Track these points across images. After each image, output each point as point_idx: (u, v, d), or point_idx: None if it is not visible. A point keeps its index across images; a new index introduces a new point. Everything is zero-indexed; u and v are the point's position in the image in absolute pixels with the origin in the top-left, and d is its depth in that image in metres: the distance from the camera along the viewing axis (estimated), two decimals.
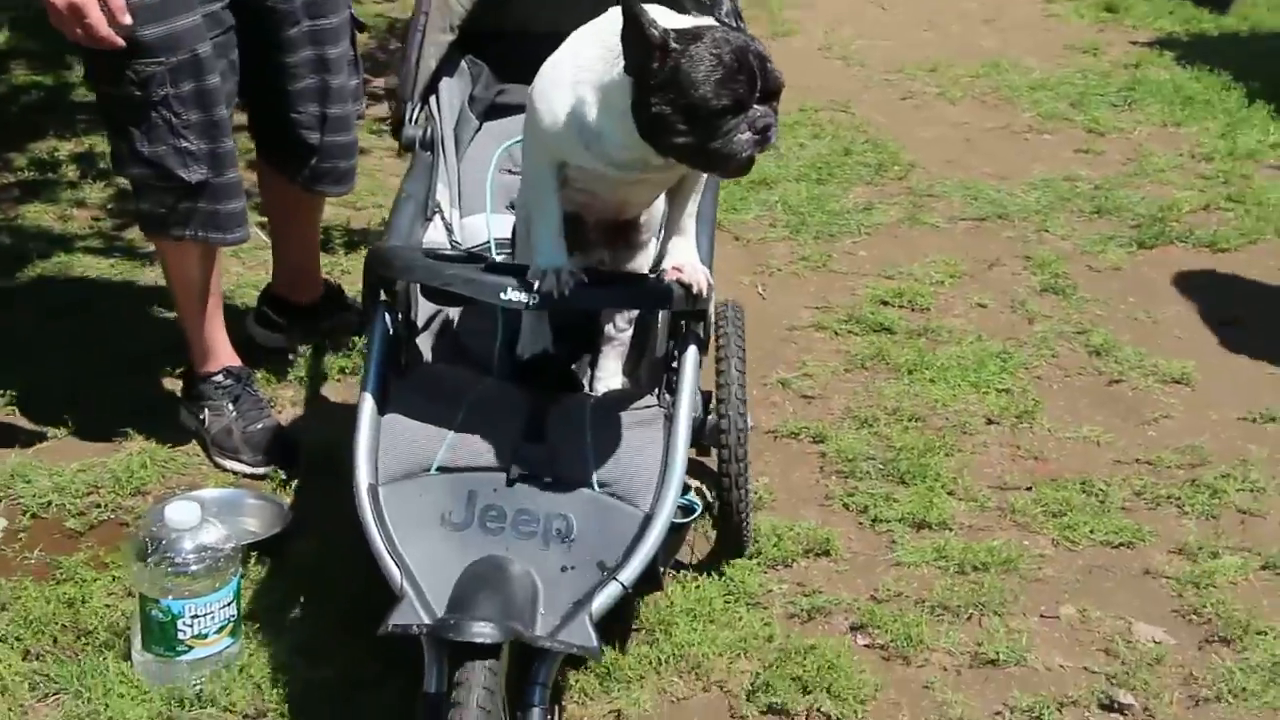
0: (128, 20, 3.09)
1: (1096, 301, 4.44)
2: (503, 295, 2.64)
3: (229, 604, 2.80)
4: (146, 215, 3.40)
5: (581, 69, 2.58)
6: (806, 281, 4.55)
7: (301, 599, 3.03)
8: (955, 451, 3.66)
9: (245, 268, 4.41)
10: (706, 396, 2.98)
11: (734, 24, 2.62)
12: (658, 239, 3.03)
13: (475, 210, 3.35)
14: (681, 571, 3.14)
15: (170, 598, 2.73)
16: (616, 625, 2.88)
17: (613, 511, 2.62)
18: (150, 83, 3.19)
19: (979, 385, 3.96)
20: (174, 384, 3.74)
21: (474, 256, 2.93)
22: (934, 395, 3.90)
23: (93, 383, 3.83)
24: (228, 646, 2.82)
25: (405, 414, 2.73)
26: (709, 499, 3.20)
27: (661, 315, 3.06)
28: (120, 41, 3.10)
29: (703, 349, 2.83)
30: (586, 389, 3.05)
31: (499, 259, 3.16)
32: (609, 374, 3.06)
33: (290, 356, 3.95)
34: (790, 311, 4.34)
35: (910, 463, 3.57)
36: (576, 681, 2.84)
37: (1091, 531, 3.38)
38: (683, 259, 2.74)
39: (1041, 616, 3.13)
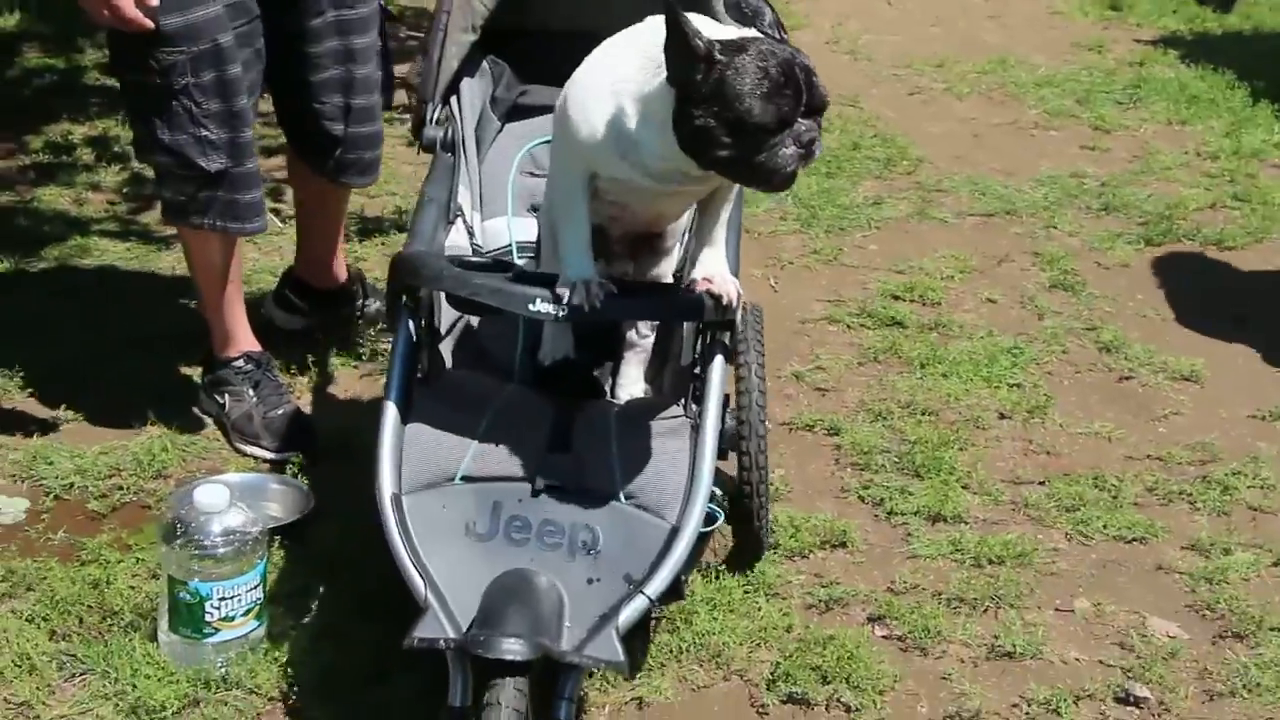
0: (154, 2, 3.11)
1: (1105, 298, 4.48)
2: (531, 307, 2.60)
3: (256, 587, 2.82)
4: (167, 202, 3.42)
5: (620, 79, 2.53)
6: (818, 275, 4.58)
7: (325, 583, 3.05)
8: (969, 445, 3.69)
9: (261, 253, 4.43)
10: (725, 400, 2.94)
11: (777, 35, 2.56)
12: (681, 244, 3.03)
13: (496, 213, 3.33)
14: (701, 563, 3.16)
15: (198, 580, 2.75)
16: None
17: (639, 523, 2.59)
18: (171, 71, 3.20)
19: (991, 380, 3.98)
20: (193, 367, 3.75)
21: (500, 264, 2.90)
22: (947, 389, 3.92)
23: (112, 365, 3.84)
24: (253, 629, 2.84)
25: (429, 422, 2.70)
26: (723, 502, 3.18)
27: (688, 324, 3.02)
28: (149, 23, 3.12)
29: (729, 358, 2.82)
30: (608, 395, 3.03)
31: (521, 263, 3.13)
32: (631, 380, 3.04)
33: (308, 341, 3.96)
34: (802, 305, 4.37)
35: (925, 456, 3.60)
36: (600, 669, 2.85)
37: (1104, 526, 3.40)
38: (713, 269, 2.70)
39: (1056, 610, 3.15)
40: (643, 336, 3.06)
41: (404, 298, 2.79)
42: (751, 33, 2.52)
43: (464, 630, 2.38)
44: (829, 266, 4.62)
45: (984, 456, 3.66)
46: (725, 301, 2.67)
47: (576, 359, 2.97)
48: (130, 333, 4.00)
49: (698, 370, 2.83)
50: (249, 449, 3.51)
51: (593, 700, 2.81)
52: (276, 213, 4.18)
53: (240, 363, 3.57)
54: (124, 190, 4.90)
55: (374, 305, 3.97)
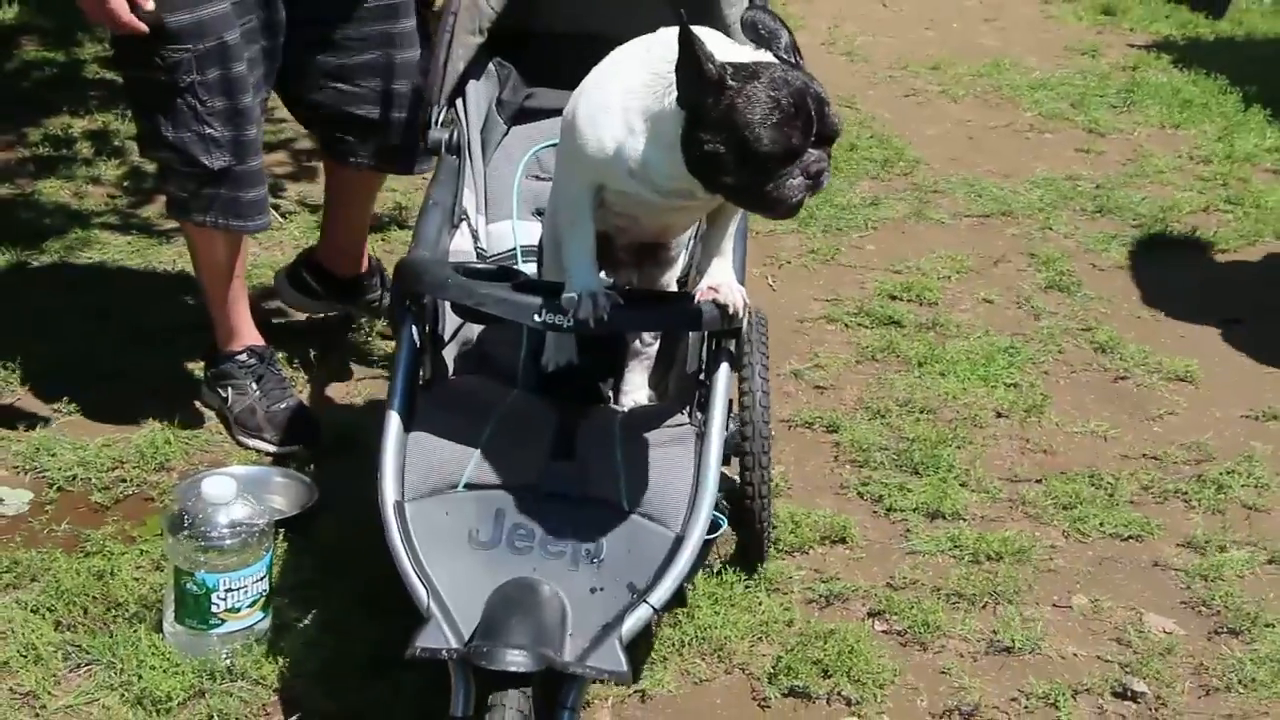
0: (150, 6, 3.11)
1: (1100, 299, 4.51)
2: (537, 318, 2.57)
3: (262, 578, 2.83)
4: (171, 198, 3.43)
5: (630, 94, 2.49)
6: (816, 274, 4.60)
7: (329, 576, 3.06)
8: (966, 443, 3.72)
9: (262, 248, 4.44)
10: (729, 407, 2.89)
11: (792, 59, 2.51)
12: (686, 251, 3.02)
13: (501, 216, 3.31)
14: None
15: (205, 571, 2.77)
16: None
17: (643, 532, 2.57)
18: (177, 69, 3.21)
19: (988, 379, 4.01)
20: (195, 361, 3.76)
21: (505, 271, 2.85)
22: (944, 388, 3.95)
23: (114, 358, 3.86)
24: (259, 621, 2.86)
25: (432, 429, 2.67)
26: (725, 509, 3.17)
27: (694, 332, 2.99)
28: (143, 27, 3.13)
29: (735, 366, 2.80)
30: (612, 402, 3.01)
31: (525, 268, 3.11)
32: (635, 387, 3.03)
33: (311, 336, 3.97)
34: (800, 304, 4.39)
35: (923, 453, 3.62)
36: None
37: (1101, 524, 3.43)
38: (720, 279, 2.66)
39: (1054, 606, 3.18)
40: (646, 344, 3.04)
41: (408, 304, 2.76)
42: (766, 56, 2.47)
43: (466, 640, 2.37)
44: (827, 266, 4.65)
45: (982, 454, 3.69)
46: (732, 311, 2.64)
47: (580, 365, 2.95)
48: (132, 326, 4.02)
49: (703, 378, 2.81)
50: (251, 442, 3.53)
51: (596, 693, 2.83)
52: (276, 208, 4.19)
53: (243, 357, 3.59)
54: (124, 184, 4.92)
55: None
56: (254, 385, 3.56)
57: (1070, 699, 2.90)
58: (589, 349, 2.97)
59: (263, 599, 2.85)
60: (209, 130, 3.27)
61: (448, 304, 2.87)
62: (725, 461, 2.93)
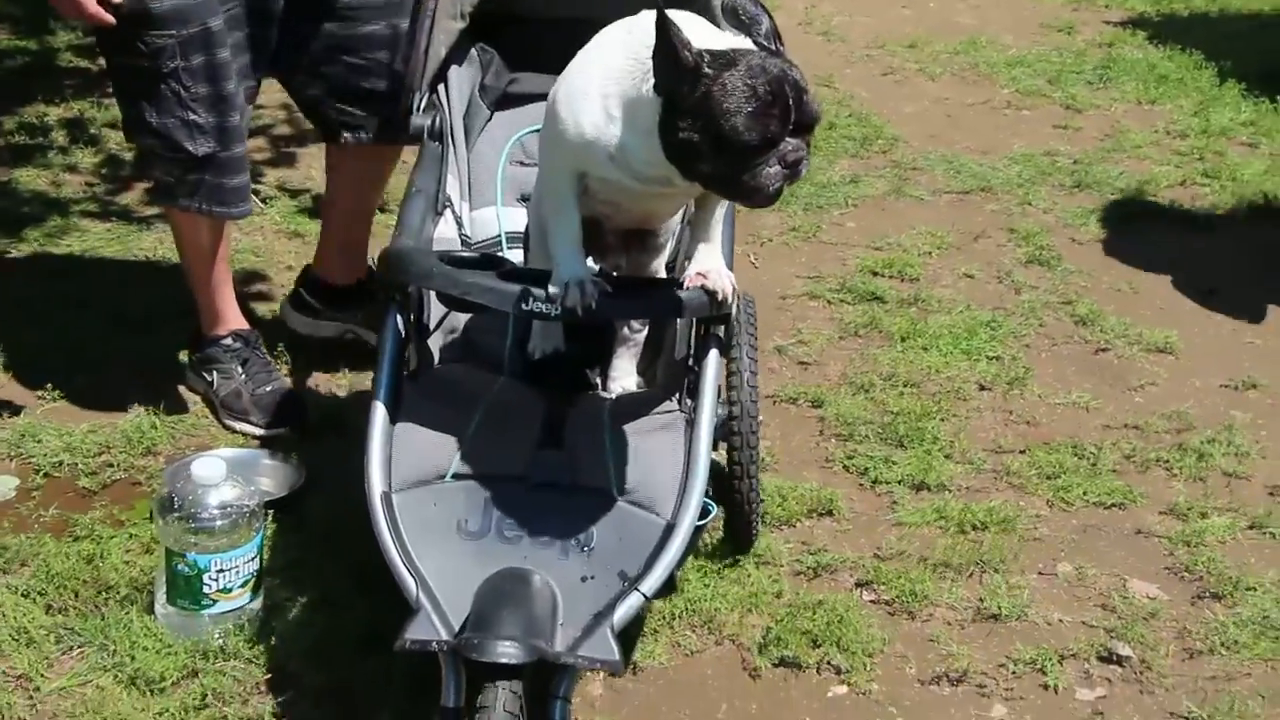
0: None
1: (1080, 273, 4.53)
2: (524, 306, 2.54)
3: (253, 559, 2.84)
4: (155, 183, 3.43)
5: (609, 79, 2.47)
6: (797, 252, 4.62)
7: (318, 555, 3.07)
8: (950, 416, 3.74)
9: (243, 233, 4.44)
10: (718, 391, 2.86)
11: (772, 45, 2.49)
12: (674, 237, 3.02)
13: (485, 203, 3.28)
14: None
15: (196, 552, 2.77)
16: None
17: (633, 520, 2.55)
18: (160, 55, 3.20)
19: (970, 353, 4.03)
20: (179, 345, 3.76)
21: (490, 259, 2.82)
22: (927, 362, 3.97)
23: (96, 345, 3.86)
24: (250, 601, 2.87)
25: (419, 420, 2.66)
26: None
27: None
28: (110, 19, 3.12)
29: (724, 352, 2.78)
30: (600, 389, 2.99)
31: (510, 255, 3.10)
32: (623, 373, 3.00)
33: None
34: (783, 281, 4.41)
35: (907, 426, 3.65)
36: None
37: (1084, 493, 3.46)
38: (708, 265, 2.64)
39: (1040, 574, 3.21)
40: (634, 330, 3.02)
41: (394, 293, 2.73)
42: (745, 43, 2.44)
43: (456, 631, 2.35)
44: (808, 243, 4.66)
45: (965, 427, 3.71)
46: (721, 297, 2.62)
47: (567, 352, 2.93)
48: (114, 312, 4.02)
49: (692, 364, 2.79)
50: (238, 425, 3.53)
51: None
52: (256, 193, 4.18)
53: (228, 340, 3.59)
54: (102, 171, 4.91)
55: None
56: (239, 369, 3.56)
57: (1057, 664, 2.93)
58: (576, 336, 2.95)
59: (254, 579, 2.86)
60: (193, 116, 3.26)
61: (433, 293, 2.85)
62: (714, 447, 2.91)
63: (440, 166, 3.06)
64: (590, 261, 2.74)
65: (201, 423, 3.57)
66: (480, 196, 3.28)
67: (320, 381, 3.78)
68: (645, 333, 3.04)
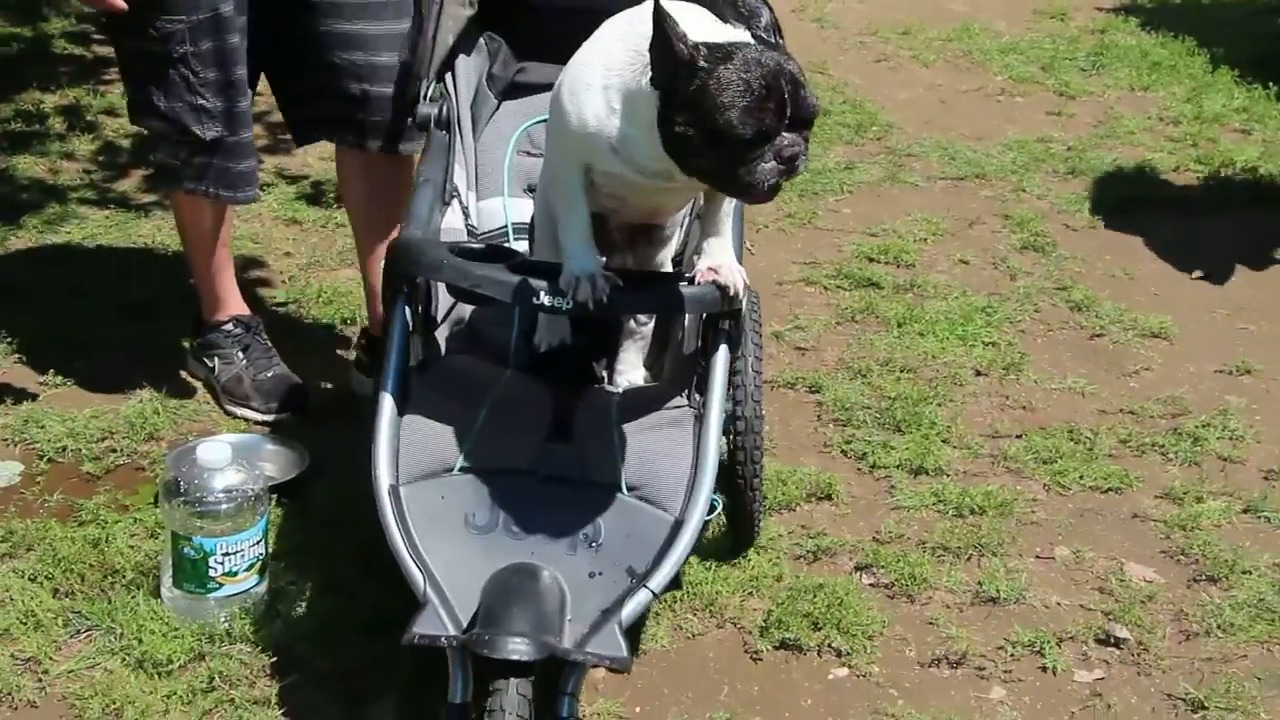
0: None
1: (1075, 259, 4.56)
2: (536, 300, 2.52)
3: (258, 542, 2.86)
4: (161, 166, 3.44)
5: (610, 72, 2.46)
6: (793, 238, 4.64)
7: (323, 539, 3.09)
8: (947, 401, 3.77)
9: (242, 220, 4.45)
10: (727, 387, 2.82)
11: (772, 39, 2.45)
12: (681, 230, 3.02)
13: (492, 193, 3.25)
14: None
15: (202, 536, 2.79)
16: None
17: (642, 516, 2.53)
18: (170, 39, 3.20)
19: (966, 338, 4.06)
20: (179, 331, 3.77)
21: (500, 251, 2.80)
22: (923, 348, 4.00)
23: (97, 331, 3.88)
24: (255, 584, 2.89)
25: (426, 412, 2.63)
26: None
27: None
28: (122, 5, 3.13)
29: (734, 348, 2.74)
30: (606, 382, 2.95)
31: (517, 246, 3.09)
32: (629, 366, 2.97)
33: (298, 308, 3.99)
34: (779, 267, 4.43)
35: (905, 411, 3.67)
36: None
37: (1081, 477, 3.49)
38: (719, 259, 2.61)
39: (1037, 557, 3.23)
40: (641, 323, 2.99)
41: (402, 285, 2.70)
42: (743, 36, 2.41)
43: (464, 626, 2.34)
44: (803, 230, 4.69)
45: (962, 411, 3.74)
46: (733, 292, 2.60)
47: (573, 345, 2.91)
48: (116, 299, 4.04)
49: (700, 359, 2.76)
50: (239, 411, 3.55)
51: None
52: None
53: (229, 326, 3.61)
54: (99, 158, 4.93)
55: None
56: (240, 354, 3.58)
57: (1055, 646, 2.95)
58: (582, 328, 2.92)
59: (259, 563, 2.88)
60: (201, 101, 3.27)
61: (442, 284, 2.81)
62: None
63: (448, 156, 3.03)
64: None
65: (203, 408, 3.59)
66: (487, 186, 3.25)
67: (321, 366, 3.79)
68: (652, 326, 3.01)
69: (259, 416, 3.53)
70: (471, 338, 3.02)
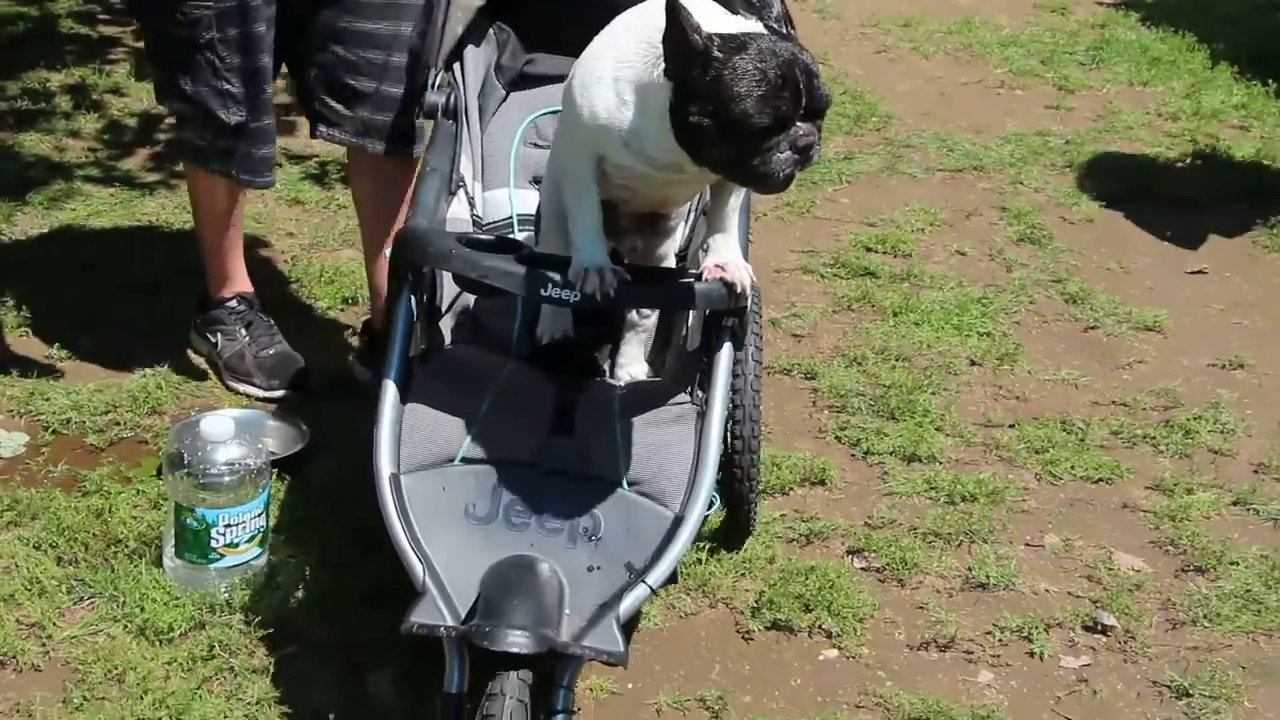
0: None
1: (1071, 251, 4.60)
2: (544, 292, 2.53)
3: (259, 515, 2.91)
4: (185, 145, 3.48)
5: (622, 64, 2.46)
6: (791, 227, 4.67)
7: (322, 514, 3.14)
8: (941, 390, 3.81)
9: (245, 199, 4.46)
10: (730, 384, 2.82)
11: (784, 29, 2.47)
12: (686, 223, 3.03)
13: (498, 184, 3.24)
14: None
15: (204, 507, 2.83)
16: None
17: (642, 511, 2.54)
18: (197, 25, 3.24)
19: (961, 328, 4.10)
20: (183, 308, 3.81)
21: (507, 242, 2.78)
22: (919, 337, 4.04)
23: (102, 306, 3.92)
24: (256, 556, 2.93)
25: (429, 402, 2.63)
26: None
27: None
28: None
29: (738, 345, 2.74)
30: (608, 374, 2.96)
31: (522, 237, 3.07)
32: (631, 360, 2.97)
33: (301, 286, 4.02)
34: (777, 255, 4.47)
35: (899, 399, 3.71)
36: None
37: (1072, 467, 3.53)
38: (725, 256, 2.62)
39: (1027, 545, 3.28)
40: (643, 316, 2.99)
41: (407, 274, 2.71)
42: (756, 27, 2.42)
43: (462, 616, 2.35)
44: (802, 219, 4.72)
45: (956, 400, 3.78)
46: (739, 290, 2.60)
47: (575, 337, 2.92)
48: (121, 275, 4.08)
49: (704, 356, 2.76)
50: (241, 387, 3.59)
51: None
52: None
53: (234, 303, 3.65)
54: (104, 137, 4.96)
55: None
56: (243, 331, 3.62)
57: (1043, 632, 3.00)
58: (585, 322, 2.93)
59: (260, 535, 2.93)
60: (226, 86, 3.30)
61: (447, 274, 2.83)
62: None
63: (454, 145, 3.02)
64: None
65: (206, 384, 3.63)
66: (493, 177, 3.24)
67: (323, 346, 3.83)
68: (654, 319, 3.02)
69: (260, 393, 3.58)
70: (474, 328, 3.03)
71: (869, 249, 4.52)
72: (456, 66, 3.12)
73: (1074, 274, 4.45)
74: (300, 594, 2.92)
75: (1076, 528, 3.33)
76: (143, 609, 2.82)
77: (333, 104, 3.42)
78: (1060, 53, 6.24)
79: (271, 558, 2.99)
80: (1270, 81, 5.82)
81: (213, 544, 2.86)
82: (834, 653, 2.93)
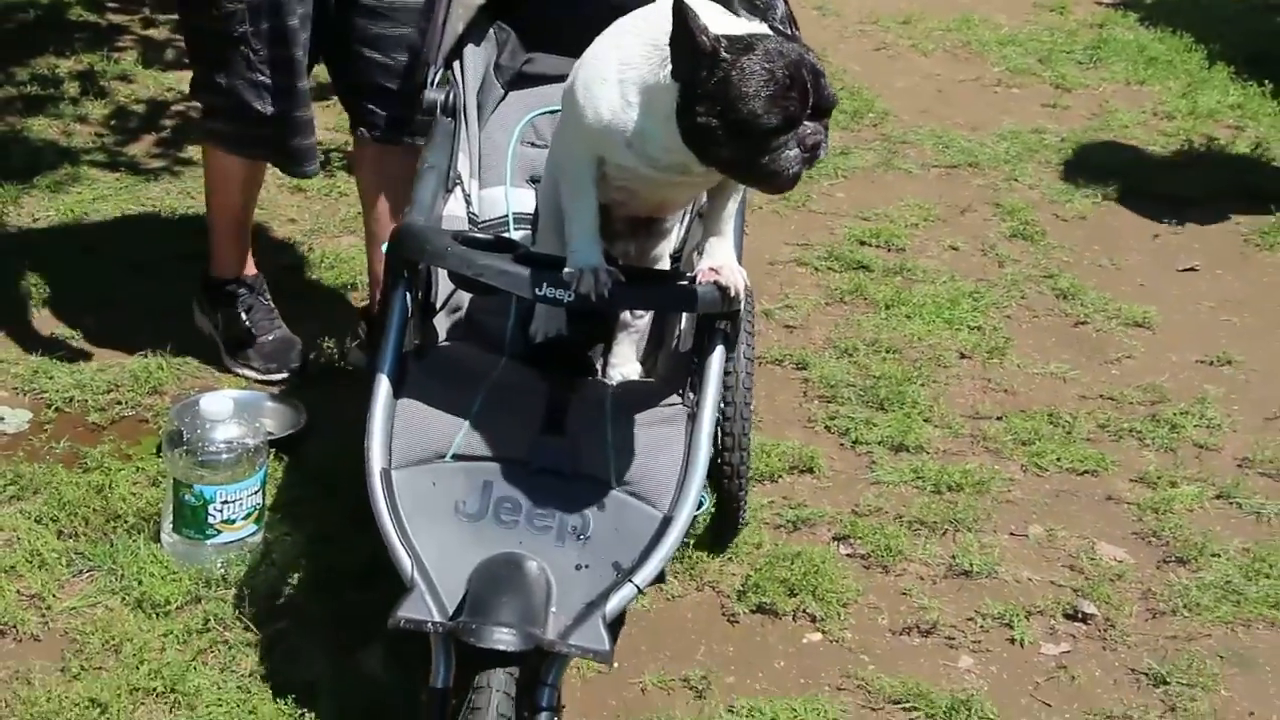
0: None
1: (1063, 248, 4.64)
2: (539, 291, 2.54)
3: (256, 492, 2.97)
4: (217, 133, 3.53)
5: (626, 66, 2.48)
6: (787, 220, 4.72)
7: (318, 494, 3.20)
8: (930, 382, 3.86)
9: None
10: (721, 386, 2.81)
11: (788, 30, 2.50)
12: (681, 224, 3.06)
13: (494, 182, 3.24)
14: None
15: (203, 484, 2.90)
16: None
17: (631, 511, 2.56)
18: (231, 19, 3.30)
19: (952, 322, 4.15)
20: (185, 291, 3.86)
21: (504, 241, 2.78)
22: (910, 330, 4.09)
23: (105, 289, 3.99)
24: (252, 533, 3.00)
25: (421, 398, 2.65)
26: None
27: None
28: None
29: (730, 348, 2.76)
30: (600, 373, 2.98)
31: (517, 236, 3.09)
32: (624, 359, 2.99)
33: (302, 271, 4.08)
34: (772, 247, 4.52)
35: (888, 390, 3.76)
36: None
37: (1058, 459, 3.58)
38: (720, 260, 2.64)
39: (1011, 534, 3.33)
40: (637, 316, 3.01)
41: (403, 270, 2.72)
42: (761, 28, 2.45)
43: (449, 612, 2.37)
44: (797, 212, 4.77)
45: (945, 392, 3.83)
46: (733, 293, 2.62)
47: (568, 336, 2.92)
48: (123, 258, 4.15)
49: (696, 357, 2.77)
50: (239, 369, 3.66)
51: None
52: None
53: (236, 286, 3.70)
54: (111, 123, 5.03)
55: None
56: (244, 315, 3.68)
57: (1024, 619, 3.05)
58: (578, 321, 2.93)
59: (256, 512, 2.99)
60: (261, 78, 3.35)
61: (442, 271, 2.85)
62: None
63: (452, 143, 3.05)
64: None
65: (206, 366, 3.69)
66: (490, 175, 3.25)
67: (322, 330, 3.87)
68: (647, 320, 3.05)
69: (259, 376, 3.64)
70: (467, 325, 3.05)
71: (863, 243, 4.57)
72: (456, 64, 3.14)
73: (1065, 270, 4.50)
74: (294, 571, 2.98)
75: (1060, 518, 3.38)
76: (140, 582, 2.89)
77: (371, 107, 3.48)
78: (1058, 51, 6.29)
79: (267, 535, 3.05)
80: (1266, 82, 5.87)
81: (210, 520, 2.92)
82: (817, 636, 2.98)
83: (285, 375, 3.64)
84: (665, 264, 3.01)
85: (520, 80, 3.30)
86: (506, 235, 3.09)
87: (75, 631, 2.80)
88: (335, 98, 4.53)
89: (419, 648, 2.49)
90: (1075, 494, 3.48)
